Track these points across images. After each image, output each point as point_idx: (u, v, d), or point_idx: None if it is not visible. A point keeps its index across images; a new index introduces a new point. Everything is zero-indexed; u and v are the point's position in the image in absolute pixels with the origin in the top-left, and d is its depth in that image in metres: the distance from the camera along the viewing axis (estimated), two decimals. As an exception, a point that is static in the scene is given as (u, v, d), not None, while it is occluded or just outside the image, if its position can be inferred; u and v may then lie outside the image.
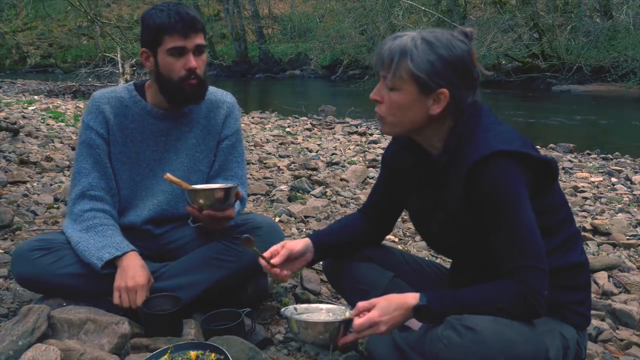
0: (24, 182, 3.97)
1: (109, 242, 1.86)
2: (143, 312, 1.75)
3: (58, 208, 3.39)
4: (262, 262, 1.66)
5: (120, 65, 10.74)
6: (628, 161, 6.29)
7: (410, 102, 1.48)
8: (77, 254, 1.87)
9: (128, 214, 2.04)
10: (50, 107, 8.94)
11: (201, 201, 1.77)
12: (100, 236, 1.88)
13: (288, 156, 5.65)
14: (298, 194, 3.99)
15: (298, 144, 6.58)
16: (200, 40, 1.87)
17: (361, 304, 1.46)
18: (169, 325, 1.75)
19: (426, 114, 1.49)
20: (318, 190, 4.10)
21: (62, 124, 7.21)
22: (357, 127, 8.18)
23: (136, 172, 2.01)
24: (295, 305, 1.66)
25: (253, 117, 9.22)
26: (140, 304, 1.77)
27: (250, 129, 7.59)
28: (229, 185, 1.84)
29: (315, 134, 7.53)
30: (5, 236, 2.85)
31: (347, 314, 1.55)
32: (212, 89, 2.09)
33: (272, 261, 1.65)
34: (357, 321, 1.43)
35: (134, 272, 1.81)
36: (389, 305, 1.43)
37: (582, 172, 5.42)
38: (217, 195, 1.78)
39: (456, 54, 1.45)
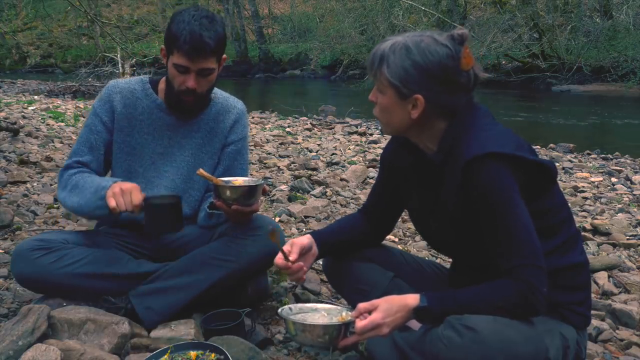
0: (24, 182, 3.97)
1: (97, 184, 1.85)
2: (147, 203, 1.73)
3: (58, 208, 3.38)
4: (280, 260, 1.63)
5: (120, 65, 10.76)
6: (628, 161, 6.29)
7: (391, 105, 1.51)
8: (88, 214, 1.89)
9: None
10: (50, 107, 8.94)
11: (229, 195, 1.80)
12: (88, 184, 1.87)
13: (288, 156, 5.65)
14: (298, 194, 3.99)
15: (298, 144, 6.58)
16: (207, 64, 1.87)
17: (362, 306, 1.46)
18: (171, 214, 1.74)
19: (408, 118, 1.51)
20: (318, 190, 4.10)
21: (62, 124, 7.21)
22: (357, 127, 8.18)
23: (138, 163, 2.02)
24: (290, 305, 1.64)
25: (253, 117, 9.21)
26: (138, 202, 1.74)
27: (250, 129, 7.58)
28: (257, 182, 1.86)
29: (315, 134, 7.53)
30: (5, 236, 2.85)
31: (344, 314, 1.54)
32: (224, 94, 2.14)
33: (290, 258, 1.63)
34: (360, 323, 1.42)
35: (124, 182, 1.82)
36: (391, 307, 1.43)
37: (582, 172, 5.42)
38: (245, 191, 1.80)
39: (432, 60, 1.45)
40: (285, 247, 1.66)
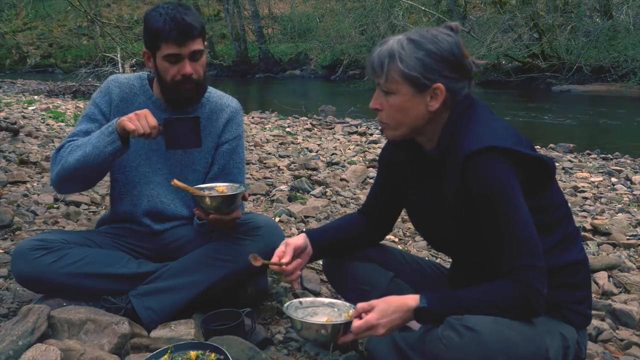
0: (24, 182, 3.97)
1: (98, 132, 1.83)
2: (167, 121, 1.76)
3: (58, 208, 3.39)
4: (275, 268, 1.65)
5: (120, 65, 10.75)
6: (628, 161, 6.29)
7: (408, 102, 1.49)
8: (96, 159, 1.80)
9: (124, 202, 2.05)
10: (50, 107, 8.94)
11: (208, 205, 1.79)
12: (87, 139, 1.84)
13: (288, 156, 5.65)
14: (298, 194, 3.99)
15: (298, 144, 6.57)
16: (197, 46, 1.88)
17: (361, 306, 1.46)
18: (192, 128, 1.78)
19: (426, 111, 1.50)
20: (318, 190, 4.10)
21: (62, 124, 7.21)
22: (357, 127, 8.18)
23: (132, 158, 2.02)
24: (300, 299, 1.66)
25: (253, 117, 9.22)
26: (155, 123, 1.75)
27: (250, 129, 7.58)
28: (235, 191, 1.84)
29: (315, 134, 7.53)
30: (5, 236, 2.85)
31: (350, 313, 1.56)
32: (219, 92, 2.13)
33: (283, 261, 1.63)
34: (356, 324, 1.43)
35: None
36: (388, 308, 1.42)
37: (582, 172, 5.42)
38: (222, 200, 1.79)
39: (444, 47, 1.46)
40: (280, 248, 1.66)
